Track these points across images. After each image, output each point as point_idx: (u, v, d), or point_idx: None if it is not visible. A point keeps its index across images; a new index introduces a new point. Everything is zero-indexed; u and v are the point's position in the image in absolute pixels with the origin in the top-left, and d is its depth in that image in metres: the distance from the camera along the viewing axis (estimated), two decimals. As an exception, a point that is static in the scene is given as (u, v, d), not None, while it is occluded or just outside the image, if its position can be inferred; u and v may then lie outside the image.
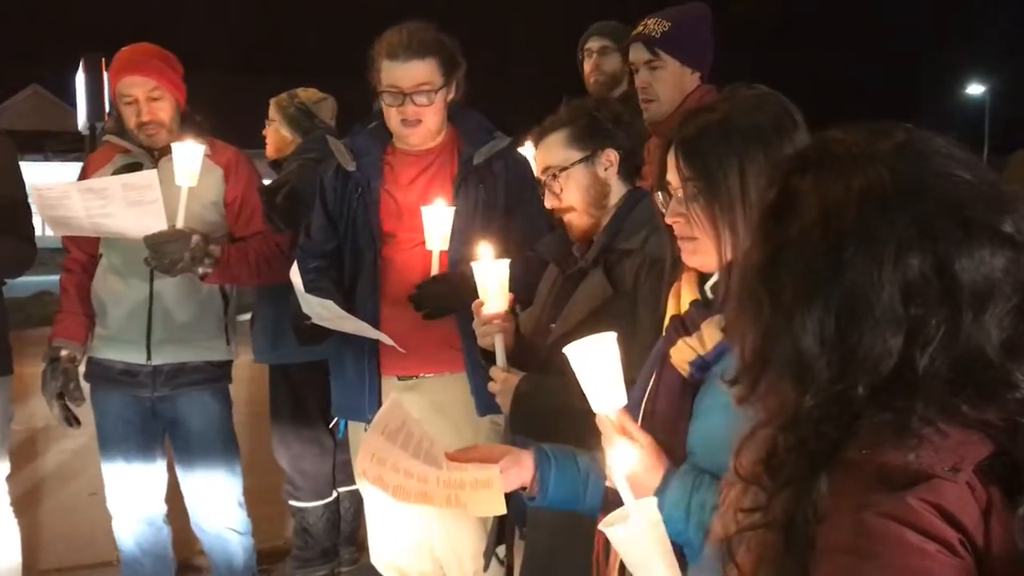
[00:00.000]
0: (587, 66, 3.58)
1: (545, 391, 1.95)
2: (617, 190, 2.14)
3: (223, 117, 3.28)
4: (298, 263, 2.57)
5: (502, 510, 1.50)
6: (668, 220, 1.52)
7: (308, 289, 2.48)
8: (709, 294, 1.51)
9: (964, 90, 31.02)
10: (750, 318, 0.96)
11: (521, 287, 2.24)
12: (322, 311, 2.44)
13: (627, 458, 1.43)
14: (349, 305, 2.56)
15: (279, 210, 3.16)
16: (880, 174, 0.89)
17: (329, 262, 2.70)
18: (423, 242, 2.41)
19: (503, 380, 2.04)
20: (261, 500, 3.65)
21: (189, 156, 2.73)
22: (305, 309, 2.49)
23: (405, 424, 1.61)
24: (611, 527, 1.29)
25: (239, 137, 3.26)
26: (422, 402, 2.49)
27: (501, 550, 2.28)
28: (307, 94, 3.75)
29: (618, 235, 2.08)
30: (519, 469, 1.63)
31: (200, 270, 2.85)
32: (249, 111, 5.27)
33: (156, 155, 2.97)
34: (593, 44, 3.57)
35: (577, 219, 2.13)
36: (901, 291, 0.86)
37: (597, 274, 2.06)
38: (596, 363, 1.43)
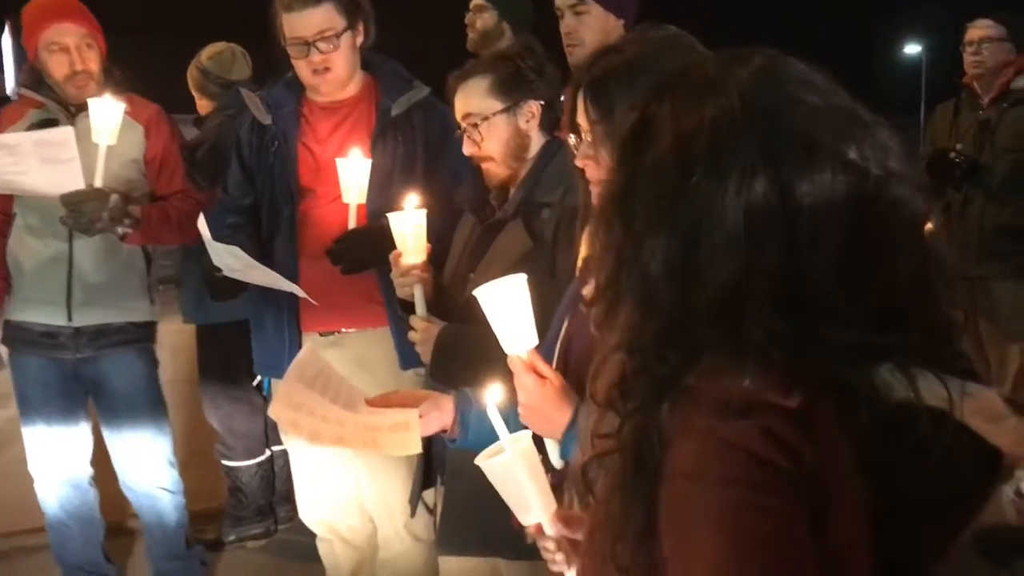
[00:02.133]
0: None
1: (465, 340, 1.97)
2: (537, 141, 2.15)
3: (139, 79, 3.20)
4: (214, 219, 2.54)
5: (417, 449, 1.53)
6: (578, 163, 1.53)
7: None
8: None
9: (902, 50, 31.55)
10: (606, 243, 0.96)
11: (444, 240, 2.25)
12: (231, 260, 2.41)
13: (536, 397, 1.47)
14: (267, 261, 2.55)
15: (200, 167, 3.12)
16: (732, 101, 0.89)
17: (246, 218, 2.68)
18: (341, 196, 2.40)
19: (423, 330, 2.05)
20: (196, 464, 3.64)
21: (108, 113, 2.66)
22: (214, 259, 2.46)
23: (323, 371, 1.62)
24: (486, 460, 1.32)
25: (154, 99, 3.18)
26: (344, 358, 2.49)
27: (429, 497, 2.31)
28: (208, 52, 3.66)
29: (536, 188, 2.09)
30: (440, 413, 1.66)
31: (120, 230, 2.80)
32: (165, 73, 5.13)
33: (73, 111, 2.89)
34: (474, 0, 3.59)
35: (495, 168, 2.14)
36: (744, 216, 0.86)
37: (516, 226, 2.07)
38: (506, 305, 1.46)
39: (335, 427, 1.50)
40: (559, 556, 1.32)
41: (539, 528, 1.33)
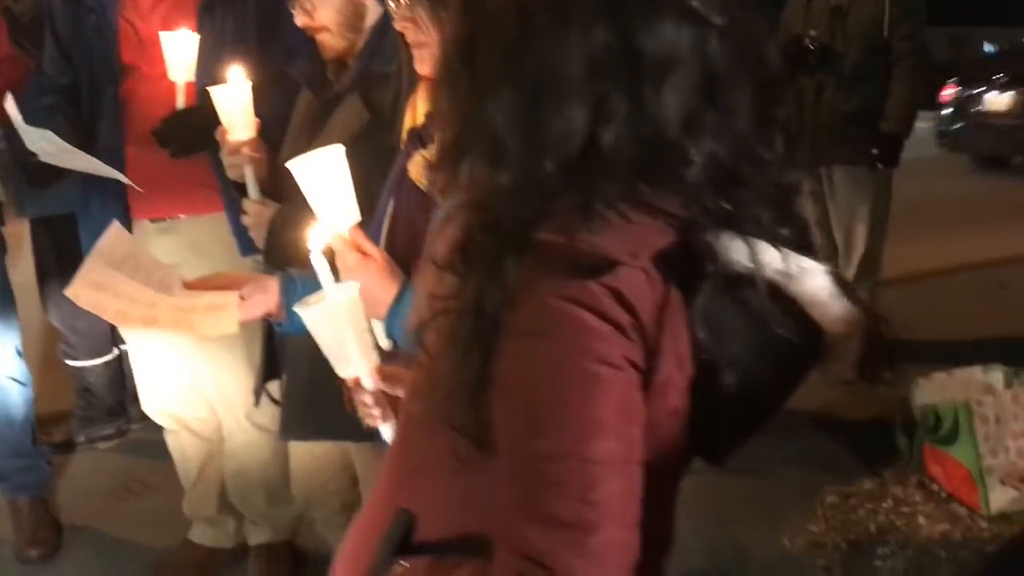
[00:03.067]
0: None
1: (299, 221, 1.89)
2: (374, 10, 2.03)
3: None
4: (30, 99, 2.35)
5: (232, 330, 1.46)
6: (397, 27, 1.46)
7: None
8: None
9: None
10: (450, 98, 0.94)
11: (281, 119, 2.14)
12: (45, 144, 2.24)
13: (358, 275, 1.41)
14: (91, 146, 2.37)
15: (27, 32, 2.88)
16: None
17: (64, 98, 2.49)
18: (167, 74, 2.24)
19: (256, 212, 1.96)
20: (43, 367, 3.50)
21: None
22: (27, 143, 2.28)
23: (133, 253, 1.52)
24: (306, 308, 1.27)
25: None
26: (178, 244, 2.38)
27: (274, 389, 2.26)
28: None
29: (374, 58, 1.99)
30: (264, 295, 1.59)
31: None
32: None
33: None
34: None
35: (331, 40, 2.02)
36: (586, 64, 0.85)
37: (354, 99, 1.98)
38: (323, 178, 1.39)
39: (145, 309, 1.42)
40: (376, 411, 1.30)
41: (357, 381, 1.29)
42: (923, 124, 9.24)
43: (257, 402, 2.24)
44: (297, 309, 1.29)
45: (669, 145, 0.86)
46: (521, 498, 0.84)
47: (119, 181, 2.38)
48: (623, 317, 0.83)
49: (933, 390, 3.21)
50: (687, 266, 0.86)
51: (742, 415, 0.95)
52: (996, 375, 3.16)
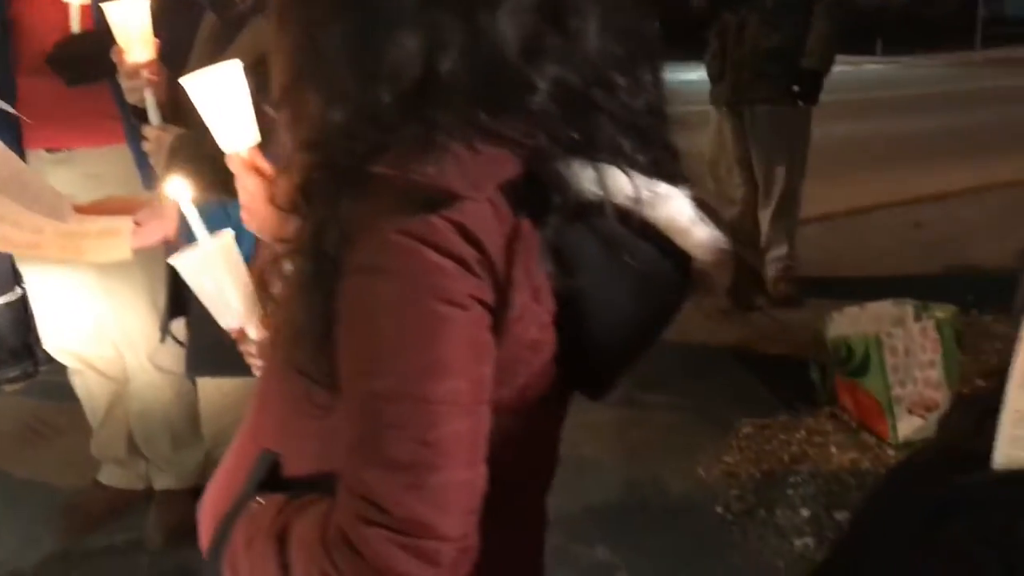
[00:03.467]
0: None
1: (200, 146, 1.82)
2: None
3: None
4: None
5: (124, 256, 1.40)
6: None
7: None
8: None
9: None
10: (284, 33, 0.89)
11: (184, 43, 2.03)
12: None
13: (258, 198, 1.35)
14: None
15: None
16: None
17: None
18: (60, -6, 2.11)
19: (156, 138, 1.87)
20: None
21: None
22: None
23: (18, 174, 1.44)
24: (180, 257, 1.22)
25: None
26: (75, 176, 2.27)
27: (180, 329, 2.19)
28: None
29: (278, -25, 1.91)
30: (162, 222, 1.52)
31: None
32: None
33: None
34: None
35: (232, -41, 1.93)
36: None
37: (257, 21, 1.90)
38: (219, 95, 1.32)
39: (30, 234, 1.34)
40: (260, 361, 1.26)
41: (241, 332, 1.25)
42: (843, 67, 9.36)
43: (163, 339, 2.17)
44: (171, 261, 1.23)
45: (510, 72, 0.82)
46: (360, 439, 0.82)
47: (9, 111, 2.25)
48: (468, 252, 0.79)
49: (846, 324, 3.28)
50: (538, 195, 0.83)
51: (616, 347, 0.93)
52: (906, 309, 3.24)
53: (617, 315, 0.90)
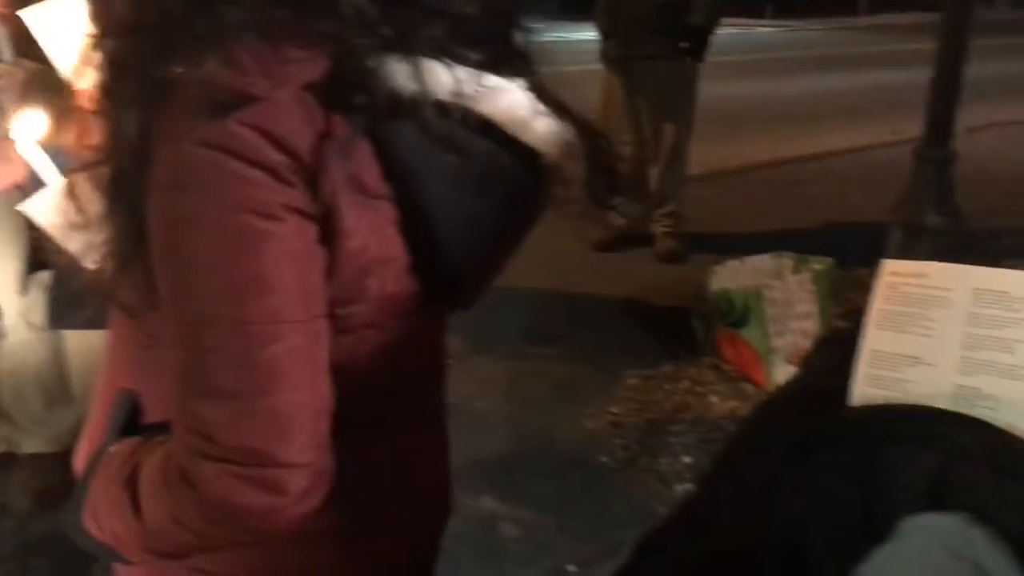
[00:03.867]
0: None
1: (54, 82, 1.71)
2: None
3: None
4: None
5: None
6: None
7: None
8: None
9: None
10: None
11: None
12: None
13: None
14: None
15: None
16: None
17: None
18: None
19: (7, 75, 1.76)
20: None
21: None
22: None
23: None
24: (29, 202, 1.14)
25: None
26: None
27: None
28: None
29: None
30: (9, 166, 1.43)
31: None
32: None
33: None
34: None
35: None
36: None
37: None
38: (62, 29, 1.24)
39: None
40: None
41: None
42: (733, 30, 9.52)
43: (24, 291, 2.06)
44: (20, 208, 1.15)
45: None
46: (183, 367, 0.77)
47: None
48: (276, 159, 0.74)
49: (727, 277, 3.36)
50: (351, 94, 0.77)
51: (468, 252, 0.89)
52: (785, 262, 3.34)
53: (460, 217, 0.85)
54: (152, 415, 0.90)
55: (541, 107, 0.85)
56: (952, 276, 1.06)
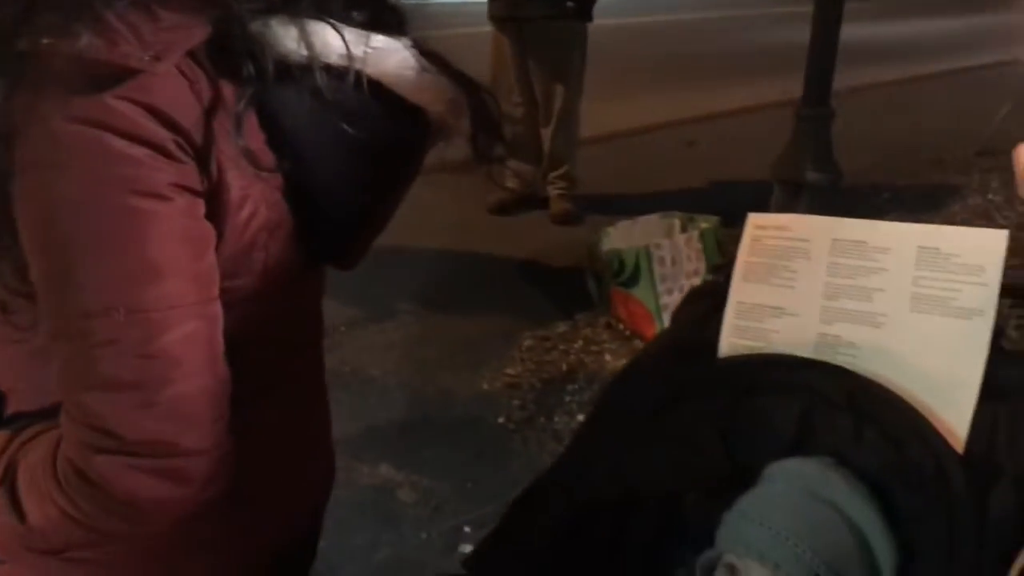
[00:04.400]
0: None
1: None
2: None
3: None
4: None
5: None
6: None
7: None
8: None
9: None
10: None
11: None
12: None
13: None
14: None
15: None
16: None
17: None
18: None
19: None
20: None
21: None
22: None
23: None
24: None
25: None
26: None
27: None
28: None
29: None
30: None
31: None
32: None
33: None
34: None
35: None
36: None
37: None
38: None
39: None
40: None
41: None
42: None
43: None
44: None
45: None
46: (71, 360, 0.73)
47: None
48: (161, 135, 0.70)
49: (619, 237, 3.40)
50: (236, 60, 0.75)
51: (354, 214, 0.88)
52: (674, 221, 3.40)
53: (346, 180, 0.84)
54: (19, 408, 0.86)
55: (425, 64, 0.84)
56: (812, 227, 1.09)
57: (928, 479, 0.90)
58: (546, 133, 4.45)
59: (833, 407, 1.00)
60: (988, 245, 0.96)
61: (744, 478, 1.01)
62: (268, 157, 0.77)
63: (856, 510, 0.93)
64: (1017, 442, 0.91)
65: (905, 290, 0.98)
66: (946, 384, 0.94)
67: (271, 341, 0.87)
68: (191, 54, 0.72)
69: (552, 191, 4.52)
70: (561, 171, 4.50)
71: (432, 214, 3.79)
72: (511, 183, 4.41)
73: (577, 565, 1.00)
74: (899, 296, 0.99)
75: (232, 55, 0.74)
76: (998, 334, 0.96)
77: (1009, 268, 0.95)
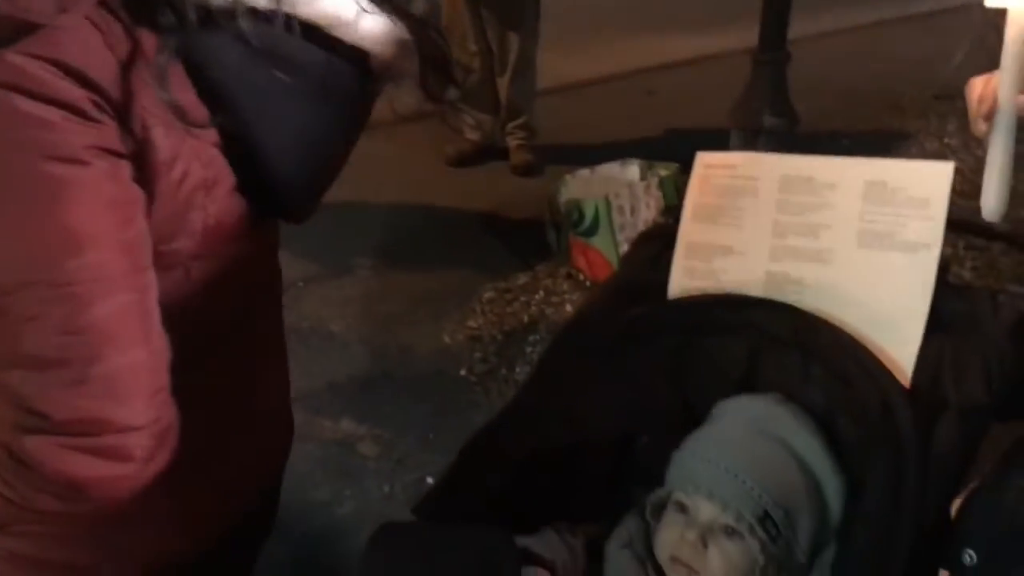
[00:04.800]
0: None
1: None
2: None
3: None
4: None
5: None
6: None
7: None
8: None
9: None
10: None
11: None
12: None
13: None
14: None
15: None
16: None
17: None
18: None
19: None
20: None
21: None
22: None
23: None
24: None
25: None
26: None
27: None
28: None
29: None
30: None
31: None
32: None
33: None
34: None
35: None
36: None
37: None
38: None
39: None
40: None
41: None
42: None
43: None
44: None
45: None
46: None
47: None
48: (76, 94, 0.65)
49: (578, 187, 3.38)
50: (156, 7, 0.70)
51: (300, 166, 0.84)
52: (633, 169, 3.38)
53: (290, 131, 0.80)
54: None
55: (366, 4, 0.80)
56: (760, 165, 1.08)
57: (874, 414, 0.91)
58: (502, 82, 4.39)
59: (780, 345, 1.00)
60: (934, 178, 0.96)
61: (696, 418, 1.01)
62: (200, 112, 0.73)
63: (803, 446, 0.93)
64: (963, 375, 0.92)
65: (852, 225, 0.98)
66: (893, 319, 0.94)
67: (220, 301, 0.85)
68: (104, 3, 0.68)
69: (511, 141, 4.48)
70: (519, 121, 4.45)
71: (390, 167, 3.74)
72: (470, 134, 4.36)
73: (529, 508, 0.99)
74: (846, 232, 0.99)
75: (149, 3, 0.69)
76: (944, 268, 0.96)
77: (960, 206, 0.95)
